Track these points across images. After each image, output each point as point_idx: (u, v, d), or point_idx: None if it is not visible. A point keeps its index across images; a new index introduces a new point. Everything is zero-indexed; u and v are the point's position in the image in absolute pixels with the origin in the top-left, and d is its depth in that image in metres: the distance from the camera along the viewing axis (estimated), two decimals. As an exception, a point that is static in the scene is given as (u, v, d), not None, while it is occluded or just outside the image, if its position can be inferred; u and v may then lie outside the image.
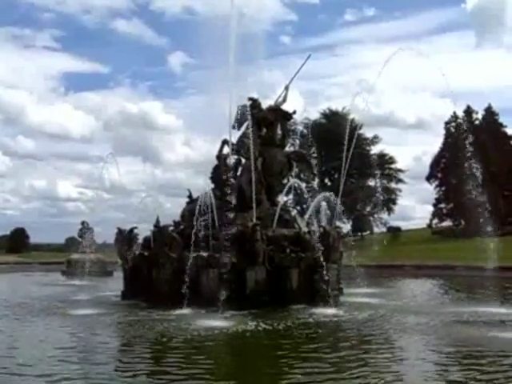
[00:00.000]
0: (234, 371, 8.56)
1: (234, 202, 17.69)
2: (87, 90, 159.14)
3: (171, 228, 17.93)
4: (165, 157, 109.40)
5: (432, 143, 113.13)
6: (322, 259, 15.89)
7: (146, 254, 17.38)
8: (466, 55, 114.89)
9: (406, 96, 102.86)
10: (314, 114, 68.34)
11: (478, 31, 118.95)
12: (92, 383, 7.50)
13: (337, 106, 71.76)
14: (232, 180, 18.25)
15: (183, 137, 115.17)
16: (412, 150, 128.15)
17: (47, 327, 12.40)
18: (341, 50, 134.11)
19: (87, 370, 8.13)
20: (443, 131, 70.16)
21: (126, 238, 18.96)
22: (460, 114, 68.18)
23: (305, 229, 18.04)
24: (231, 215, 17.26)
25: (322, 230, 17.19)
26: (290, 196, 20.61)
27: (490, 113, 67.59)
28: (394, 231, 65.85)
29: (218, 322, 12.30)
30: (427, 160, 76.05)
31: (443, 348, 9.95)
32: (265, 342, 10.81)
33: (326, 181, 66.07)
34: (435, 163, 69.86)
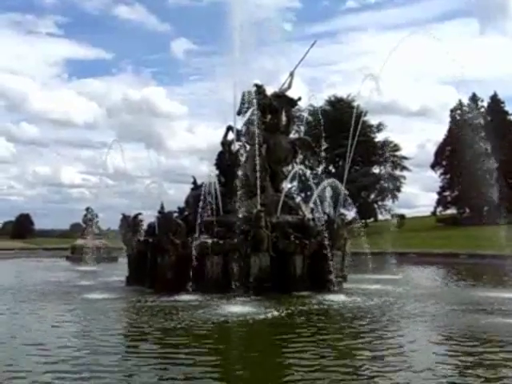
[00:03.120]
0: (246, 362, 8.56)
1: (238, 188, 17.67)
2: (90, 76, 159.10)
3: (176, 214, 17.96)
4: (168, 143, 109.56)
5: (435, 131, 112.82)
6: (326, 246, 15.94)
7: (150, 240, 17.40)
8: (470, 43, 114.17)
9: (408, 83, 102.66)
10: (318, 101, 68.11)
11: (481, 19, 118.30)
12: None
13: (339, 93, 71.60)
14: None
15: (187, 123, 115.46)
16: (415, 138, 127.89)
17: (55, 313, 12.44)
18: (343, 37, 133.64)
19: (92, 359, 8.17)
20: (447, 118, 70.00)
21: (130, 224, 18.99)
22: (465, 101, 68.10)
23: (309, 215, 18.04)
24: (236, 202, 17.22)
25: (326, 216, 17.18)
26: (295, 183, 20.56)
27: (495, 101, 67.31)
28: (399, 218, 65.73)
29: (231, 309, 12.31)
30: (430, 147, 75.94)
31: (452, 335, 9.92)
32: (273, 330, 10.71)
33: (331, 168, 65.98)
34: (440, 151, 69.67)
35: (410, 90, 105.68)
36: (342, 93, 70.74)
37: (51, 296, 15.10)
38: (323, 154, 20.75)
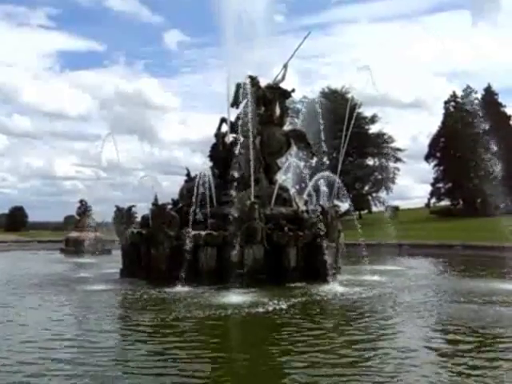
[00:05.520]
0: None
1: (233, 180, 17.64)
2: (83, 68, 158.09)
3: (169, 206, 17.93)
4: (162, 135, 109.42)
5: (428, 122, 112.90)
6: (320, 238, 15.96)
7: (144, 232, 17.38)
8: (462, 35, 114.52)
9: (401, 75, 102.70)
10: (313, 93, 67.97)
11: (473, 10, 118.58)
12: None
13: (331, 84, 71.42)
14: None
15: (180, 115, 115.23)
16: (408, 130, 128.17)
17: (49, 305, 12.41)
18: (334, 29, 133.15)
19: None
20: (440, 110, 70.17)
21: (124, 216, 18.95)
22: (459, 93, 68.27)
23: (303, 207, 18.05)
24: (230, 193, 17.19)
25: (320, 208, 17.19)
26: (289, 175, 20.56)
27: (489, 92, 67.38)
28: (394, 210, 65.83)
29: (224, 300, 12.37)
30: (423, 139, 76.00)
31: (451, 327, 9.88)
32: (267, 321, 10.65)
33: (325, 159, 65.92)
34: (434, 142, 69.77)
35: (403, 81, 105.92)
36: (334, 85, 70.61)
37: (46, 288, 15.05)
38: (324, 147, 20.63)
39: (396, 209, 66.65)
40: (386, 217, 33.19)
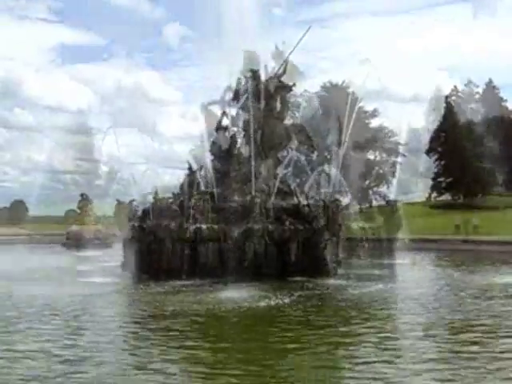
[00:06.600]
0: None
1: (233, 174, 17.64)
2: (84, 61, 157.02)
3: (170, 200, 17.94)
4: (162, 129, 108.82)
5: (428, 117, 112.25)
6: (321, 232, 15.97)
7: (145, 225, 17.39)
8: (464, 29, 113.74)
9: (401, 69, 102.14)
10: (312, 87, 67.60)
11: (474, 3, 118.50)
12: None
13: (331, 79, 71.10)
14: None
15: (181, 109, 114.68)
16: (407, 124, 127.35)
17: (52, 297, 12.43)
18: (332, 23, 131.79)
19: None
20: (440, 104, 69.85)
21: (125, 210, 18.96)
22: (460, 87, 68.10)
23: (304, 201, 18.04)
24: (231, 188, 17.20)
25: (321, 202, 17.18)
26: (290, 168, 20.54)
27: (490, 87, 67.23)
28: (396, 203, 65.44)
29: (224, 294, 12.36)
30: (424, 133, 75.51)
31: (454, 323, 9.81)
32: (266, 315, 10.68)
33: (326, 153, 65.78)
34: (435, 137, 69.60)
35: (403, 75, 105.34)
36: (333, 79, 70.26)
37: (46, 281, 15.11)
38: (331, 136, 20.63)
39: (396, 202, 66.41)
40: (392, 211, 33.08)
